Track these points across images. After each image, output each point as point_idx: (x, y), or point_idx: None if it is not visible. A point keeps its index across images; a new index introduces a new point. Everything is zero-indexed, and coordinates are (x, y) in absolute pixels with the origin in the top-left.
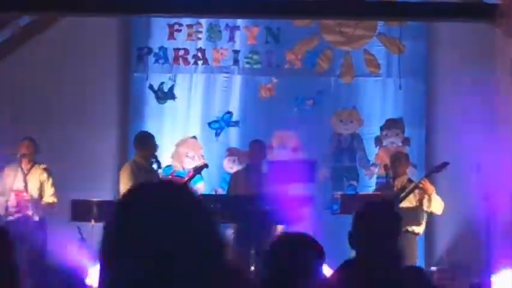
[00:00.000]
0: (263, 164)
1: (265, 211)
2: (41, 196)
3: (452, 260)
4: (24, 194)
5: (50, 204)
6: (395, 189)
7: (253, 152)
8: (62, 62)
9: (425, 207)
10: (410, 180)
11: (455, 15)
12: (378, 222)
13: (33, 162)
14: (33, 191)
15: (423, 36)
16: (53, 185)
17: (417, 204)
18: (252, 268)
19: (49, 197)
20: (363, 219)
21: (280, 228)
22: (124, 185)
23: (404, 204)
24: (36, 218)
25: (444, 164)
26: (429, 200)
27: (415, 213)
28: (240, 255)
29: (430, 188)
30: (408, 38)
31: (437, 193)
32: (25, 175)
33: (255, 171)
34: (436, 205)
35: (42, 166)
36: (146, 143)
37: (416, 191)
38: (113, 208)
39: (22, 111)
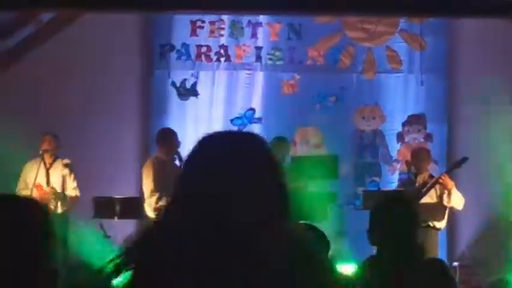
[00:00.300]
0: (286, 160)
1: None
2: (63, 190)
3: (473, 255)
4: (47, 188)
5: (72, 198)
6: (417, 185)
7: (275, 149)
8: (83, 59)
9: (445, 203)
10: (431, 176)
11: (477, 12)
12: (394, 218)
13: (55, 157)
14: (56, 185)
15: (444, 33)
16: (75, 179)
17: (438, 199)
18: None
19: (72, 190)
20: (378, 215)
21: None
22: (147, 182)
23: (425, 199)
24: (59, 211)
25: (464, 159)
26: (449, 195)
27: (436, 209)
28: None
29: (450, 183)
30: (429, 35)
31: (459, 188)
32: (47, 169)
33: None
34: (456, 200)
35: (65, 161)
36: (169, 140)
37: (437, 186)
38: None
39: (44, 108)
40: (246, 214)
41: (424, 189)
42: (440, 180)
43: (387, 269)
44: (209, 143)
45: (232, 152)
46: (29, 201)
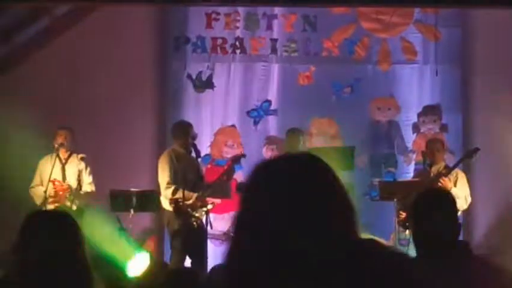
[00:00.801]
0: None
1: None
2: (79, 185)
3: (490, 245)
4: (63, 183)
5: (88, 193)
6: (432, 175)
7: (290, 140)
8: (99, 52)
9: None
10: (446, 167)
11: (491, 2)
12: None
13: (71, 152)
14: (72, 180)
15: (459, 23)
16: (91, 173)
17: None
18: None
19: (87, 185)
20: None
21: None
22: (163, 174)
23: None
24: (74, 207)
25: (476, 150)
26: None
27: None
28: None
29: (448, 185)
30: (444, 25)
31: (474, 179)
32: (63, 164)
33: None
34: (458, 194)
35: (80, 155)
36: (185, 132)
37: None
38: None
39: (60, 102)
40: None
41: (434, 183)
42: (439, 183)
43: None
44: (270, 171)
45: (299, 176)
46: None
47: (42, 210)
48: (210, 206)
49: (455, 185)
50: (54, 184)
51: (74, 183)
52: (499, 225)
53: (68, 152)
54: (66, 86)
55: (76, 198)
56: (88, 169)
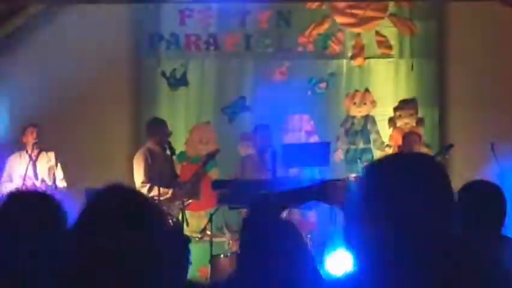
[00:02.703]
0: (272, 148)
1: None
2: (54, 182)
3: None
4: (35, 180)
5: (61, 189)
6: None
7: (259, 137)
8: (72, 50)
9: None
10: None
11: None
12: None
13: (40, 149)
14: (43, 177)
15: (434, 17)
16: (62, 169)
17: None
18: None
19: (59, 181)
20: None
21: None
22: (138, 172)
23: None
24: None
25: (450, 146)
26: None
27: None
28: None
29: None
30: (419, 18)
31: (451, 173)
32: (34, 161)
33: (263, 156)
34: None
35: (51, 153)
36: (159, 130)
37: None
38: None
39: (31, 99)
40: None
41: None
42: None
43: None
44: (383, 169)
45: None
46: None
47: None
48: (189, 201)
49: None
50: (25, 181)
51: (46, 179)
52: None
53: (38, 150)
54: (38, 83)
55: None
56: (59, 166)
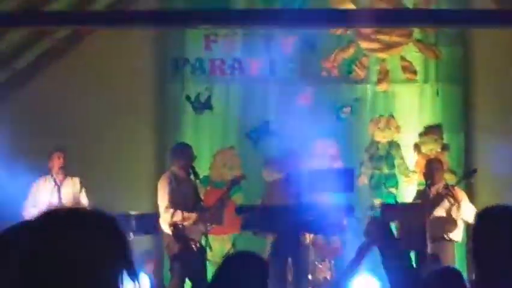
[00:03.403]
0: (300, 173)
1: (304, 221)
2: None
3: None
4: (58, 205)
5: None
6: (431, 196)
7: (289, 162)
8: (97, 74)
9: (453, 215)
10: (446, 187)
11: (493, 21)
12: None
13: (65, 175)
14: (67, 203)
15: (459, 42)
16: (87, 196)
17: (450, 211)
18: (289, 278)
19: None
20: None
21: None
22: (162, 197)
23: (439, 211)
24: None
25: (474, 171)
26: (459, 207)
27: (447, 221)
28: (277, 265)
29: (459, 195)
30: (444, 44)
31: (475, 198)
32: (58, 187)
33: (292, 181)
34: (467, 213)
35: (76, 178)
36: (184, 154)
37: (449, 198)
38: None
39: (59, 124)
40: None
41: (435, 203)
42: (449, 193)
43: None
44: None
45: None
46: None
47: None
48: (212, 227)
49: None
50: (49, 205)
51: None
52: None
53: (64, 175)
54: (65, 108)
55: None
56: (83, 192)
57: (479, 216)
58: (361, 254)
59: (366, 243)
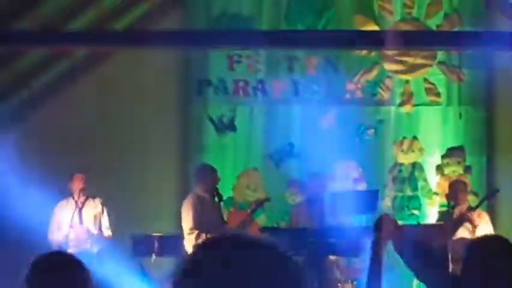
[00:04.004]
0: (324, 196)
1: (328, 243)
2: (100, 230)
3: None
4: (81, 226)
5: (106, 238)
6: (454, 217)
7: (313, 184)
8: (120, 96)
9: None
10: (469, 209)
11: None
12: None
13: (87, 196)
14: (89, 225)
15: (482, 65)
16: (108, 217)
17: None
18: None
19: (106, 229)
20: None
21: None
22: (186, 218)
23: (461, 233)
24: (95, 251)
25: (495, 191)
26: (474, 231)
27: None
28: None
29: (476, 220)
30: (468, 66)
31: (497, 220)
32: (80, 209)
33: (316, 203)
34: None
35: (98, 200)
36: (208, 176)
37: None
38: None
39: (81, 145)
40: None
41: (456, 225)
42: (466, 217)
43: None
44: None
45: None
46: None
47: (47, 254)
48: None
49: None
50: (73, 228)
51: (92, 227)
52: None
53: (85, 197)
54: (87, 130)
55: (96, 242)
56: (105, 214)
57: (469, 247)
58: (374, 249)
59: (376, 238)
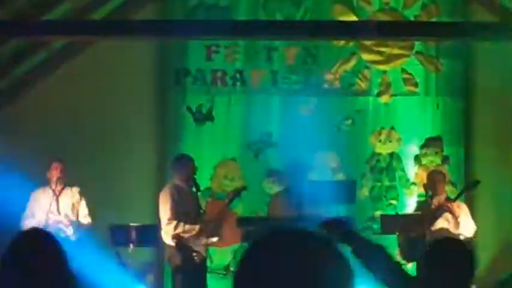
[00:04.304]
0: (302, 186)
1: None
2: (77, 218)
3: (493, 278)
4: (57, 214)
5: (84, 225)
6: (433, 207)
7: (291, 174)
8: (98, 85)
9: (452, 229)
10: (447, 199)
11: (494, 34)
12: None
13: (64, 185)
14: (66, 213)
15: (460, 54)
16: (87, 206)
17: (449, 226)
18: None
19: (83, 218)
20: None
21: None
22: (164, 209)
23: (440, 223)
24: (73, 239)
25: (476, 182)
26: (457, 222)
27: (448, 233)
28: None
29: (457, 211)
30: (445, 56)
31: (476, 211)
32: (57, 196)
33: (294, 193)
34: (465, 228)
35: (75, 188)
36: (186, 166)
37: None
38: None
39: (58, 134)
40: None
41: (435, 215)
42: (446, 208)
43: None
44: None
45: None
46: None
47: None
48: (214, 239)
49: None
50: (50, 216)
51: (69, 215)
52: (502, 258)
53: (62, 185)
54: (64, 119)
55: (74, 230)
56: (83, 202)
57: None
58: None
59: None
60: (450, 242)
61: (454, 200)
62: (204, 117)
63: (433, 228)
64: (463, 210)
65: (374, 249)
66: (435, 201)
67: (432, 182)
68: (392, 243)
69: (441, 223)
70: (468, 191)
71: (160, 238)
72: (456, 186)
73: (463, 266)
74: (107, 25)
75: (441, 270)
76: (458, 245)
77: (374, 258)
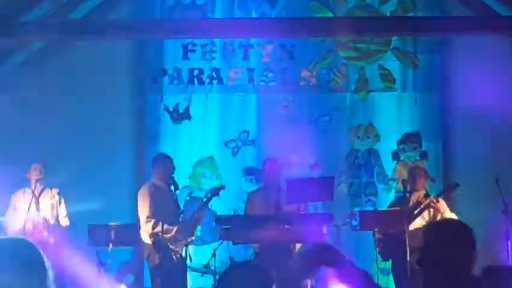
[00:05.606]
0: (280, 183)
1: (284, 230)
2: (57, 219)
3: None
4: (37, 217)
5: (63, 227)
6: (411, 204)
7: (269, 171)
8: (75, 85)
9: None
10: (426, 195)
11: (471, 28)
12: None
13: (44, 186)
14: (46, 214)
15: (438, 50)
16: (66, 207)
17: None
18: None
19: (62, 219)
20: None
21: (298, 246)
22: (142, 208)
23: (418, 221)
24: (52, 241)
25: (456, 185)
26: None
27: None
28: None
29: (442, 207)
30: (423, 52)
31: (456, 206)
32: (37, 198)
33: (272, 190)
34: None
35: (54, 190)
36: (164, 165)
37: (430, 208)
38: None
39: (36, 134)
40: None
41: (416, 212)
42: (432, 204)
43: None
44: None
45: None
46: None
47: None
48: (193, 238)
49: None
50: (30, 218)
51: (48, 217)
52: (482, 254)
53: (42, 187)
54: (43, 119)
55: (53, 232)
56: (62, 203)
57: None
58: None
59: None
60: (450, 223)
61: (437, 198)
62: (181, 116)
63: (412, 226)
64: (446, 206)
65: (358, 273)
66: (413, 198)
67: (413, 178)
68: (370, 241)
69: (420, 221)
70: (448, 193)
71: (140, 237)
72: (435, 182)
73: (464, 246)
74: (84, 25)
75: (442, 251)
76: (458, 226)
77: (356, 282)
